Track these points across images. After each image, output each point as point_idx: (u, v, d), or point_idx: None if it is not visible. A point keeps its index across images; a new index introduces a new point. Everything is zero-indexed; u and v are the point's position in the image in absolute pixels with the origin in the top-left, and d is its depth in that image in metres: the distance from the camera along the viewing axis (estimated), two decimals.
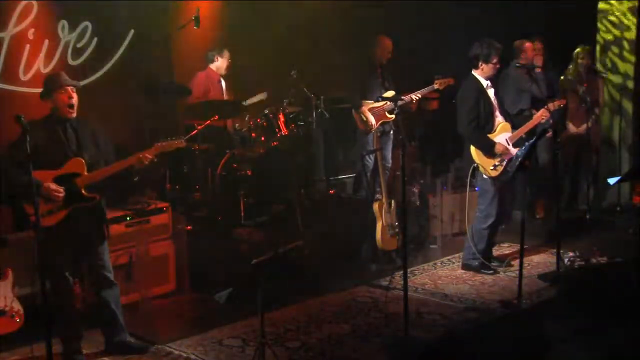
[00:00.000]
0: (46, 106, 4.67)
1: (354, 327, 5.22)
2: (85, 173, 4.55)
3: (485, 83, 6.17)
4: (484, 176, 6.16)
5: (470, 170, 6.18)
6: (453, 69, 7.18)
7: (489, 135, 6.13)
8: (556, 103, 6.47)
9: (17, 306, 4.74)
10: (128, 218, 5.59)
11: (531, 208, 8.07)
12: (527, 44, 7.50)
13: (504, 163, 6.09)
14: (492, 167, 6.10)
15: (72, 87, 4.59)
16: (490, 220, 6.25)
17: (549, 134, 7.16)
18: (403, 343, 4.83)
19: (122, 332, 4.81)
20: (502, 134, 6.17)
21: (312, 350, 4.80)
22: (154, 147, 4.74)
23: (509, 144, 6.15)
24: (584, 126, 7.92)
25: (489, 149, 6.08)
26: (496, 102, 6.23)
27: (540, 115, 6.34)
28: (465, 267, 6.49)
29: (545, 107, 6.32)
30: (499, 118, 6.23)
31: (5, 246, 4.82)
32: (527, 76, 7.38)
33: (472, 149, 6.13)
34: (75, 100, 4.58)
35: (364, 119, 7.18)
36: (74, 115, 4.59)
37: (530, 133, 6.31)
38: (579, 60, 8.15)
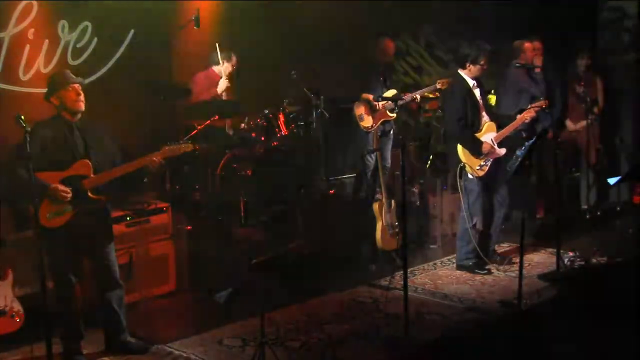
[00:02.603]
0: (48, 106, 4.67)
1: (354, 327, 5.22)
2: (92, 175, 4.55)
3: (471, 82, 6.20)
4: (470, 176, 6.17)
5: (458, 170, 6.19)
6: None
7: (476, 135, 6.15)
8: (537, 104, 6.43)
9: (17, 306, 4.74)
10: (128, 218, 5.59)
11: (531, 208, 8.07)
12: (527, 44, 7.51)
13: (489, 163, 6.12)
14: (478, 167, 6.13)
15: (78, 85, 4.60)
16: (474, 220, 6.27)
17: (550, 135, 7.17)
18: (403, 343, 4.83)
19: (123, 332, 4.82)
20: (487, 134, 6.20)
21: (312, 350, 4.81)
22: (162, 150, 4.73)
23: (494, 144, 6.16)
24: (582, 123, 7.91)
25: (476, 148, 6.10)
26: (482, 101, 6.26)
27: (524, 117, 6.34)
28: (460, 267, 6.51)
29: (529, 107, 6.32)
30: (484, 117, 6.24)
31: (5, 246, 4.81)
32: (527, 76, 7.40)
33: (459, 148, 6.15)
34: (82, 97, 4.60)
35: (363, 118, 7.19)
36: (83, 109, 4.60)
37: (531, 133, 6.31)
38: (579, 60, 8.15)
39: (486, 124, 6.21)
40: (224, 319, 5.28)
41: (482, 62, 6.12)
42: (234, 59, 7.17)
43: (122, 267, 5.36)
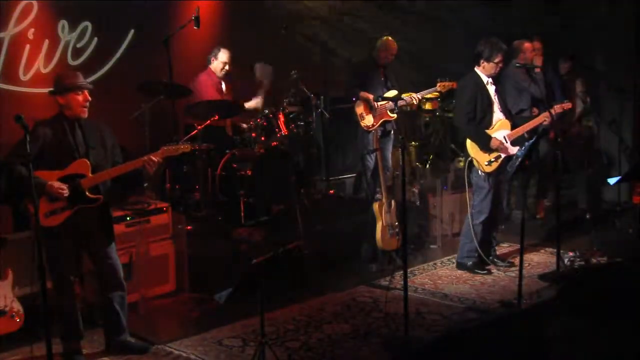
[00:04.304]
0: (48, 106, 4.67)
1: (354, 327, 5.22)
2: (90, 174, 4.56)
3: (485, 79, 6.19)
4: (479, 172, 6.17)
5: (467, 164, 6.19)
6: (454, 70, 7.18)
7: (487, 131, 6.15)
8: (560, 107, 6.46)
9: (17, 306, 4.74)
10: (128, 218, 5.59)
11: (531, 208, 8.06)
12: (526, 44, 7.48)
13: (499, 160, 6.10)
14: (486, 163, 6.12)
15: (87, 90, 4.61)
16: (482, 217, 6.25)
17: (551, 135, 7.17)
18: (403, 343, 4.83)
19: (124, 332, 4.82)
20: (500, 131, 6.18)
21: (312, 350, 4.80)
22: (160, 150, 4.74)
23: (506, 142, 6.15)
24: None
25: (484, 142, 6.10)
26: (497, 99, 6.25)
27: (543, 117, 6.35)
28: (459, 266, 6.50)
29: (550, 110, 6.32)
30: (498, 114, 6.23)
31: (5, 246, 4.81)
32: (526, 76, 7.40)
33: (468, 142, 6.16)
34: (88, 103, 4.61)
35: (364, 117, 7.19)
36: (86, 115, 4.61)
37: (532, 133, 6.31)
38: (561, 64, 8.15)
39: (499, 122, 6.20)
40: (224, 319, 5.27)
41: (496, 60, 6.13)
42: (222, 55, 7.15)
43: (122, 267, 5.35)
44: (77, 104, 4.56)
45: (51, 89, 4.63)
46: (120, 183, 4.75)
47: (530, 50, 7.50)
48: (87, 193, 4.55)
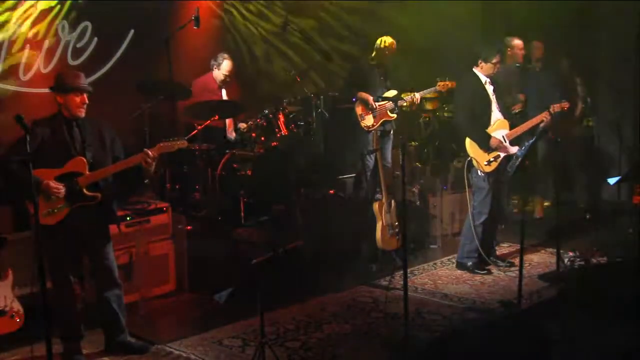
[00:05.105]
0: (48, 105, 4.67)
1: (354, 327, 5.22)
2: (87, 172, 4.56)
3: (484, 79, 6.21)
4: (479, 173, 6.18)
5: (466, 164, 6.20)
6: (454, 70, 7.18)
7: (486, 130, 6.16)
8: (558, 106, 6.46)
9: (17, 306, 4.74)
10: (128, 218, 5.59)
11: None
12: (516, 42, 7.42)
13: (499, 159, 6.11)
14: (486, 163, 6.13)
15: (87, 93, 4.62)
16: (482, 217, 6.26)
17: (552, 136, 7.16)
18: (403, 343, 4.83)
19: (123, 332, 4.81)
20: (499, 130, 6.20)
21: (312, 350, 4.80)
22: (157, 147, 4.75)
23: (505, 141, 6.16)
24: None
25: (483, 141, 6.11)
26: (495, 99, 6.26)
27: (541, 117, 6.35)
28: (459, 266, 6.51)
29: (548, 110, 6.33)
30: (496, 114, 6.25)
31: (5, 246, 4.81)
32: (522, 76, 7.39)
33: (467, 142, 6.17)
34: (86, 105, 4.62)
35: (364, 117, 7.19)
36: (83, 116, 4.62)
37: (531, 133, 6.31)
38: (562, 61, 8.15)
39: (498, 121, 6.22)
40: (224, 319, 5.27)
41: (494, 61, 6.16)
42: (225, 64, 7.06)
43: (122, 267, 5.37)
44: (75, 105, 4.57)
45: (52, 86, 4.63)
46: (120, 180, 4.74)
47: (520, 48, 7.44)
48: (84, 191, 4.55)
